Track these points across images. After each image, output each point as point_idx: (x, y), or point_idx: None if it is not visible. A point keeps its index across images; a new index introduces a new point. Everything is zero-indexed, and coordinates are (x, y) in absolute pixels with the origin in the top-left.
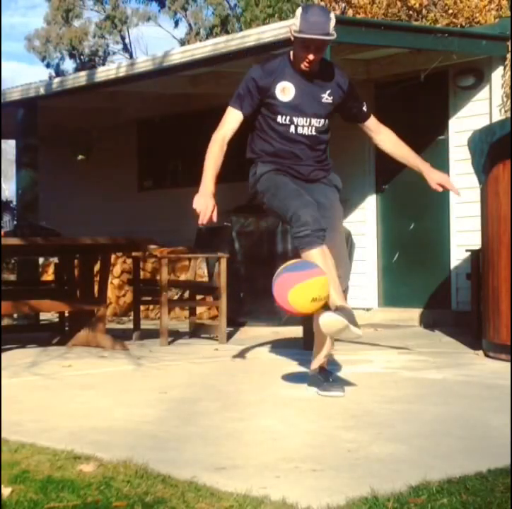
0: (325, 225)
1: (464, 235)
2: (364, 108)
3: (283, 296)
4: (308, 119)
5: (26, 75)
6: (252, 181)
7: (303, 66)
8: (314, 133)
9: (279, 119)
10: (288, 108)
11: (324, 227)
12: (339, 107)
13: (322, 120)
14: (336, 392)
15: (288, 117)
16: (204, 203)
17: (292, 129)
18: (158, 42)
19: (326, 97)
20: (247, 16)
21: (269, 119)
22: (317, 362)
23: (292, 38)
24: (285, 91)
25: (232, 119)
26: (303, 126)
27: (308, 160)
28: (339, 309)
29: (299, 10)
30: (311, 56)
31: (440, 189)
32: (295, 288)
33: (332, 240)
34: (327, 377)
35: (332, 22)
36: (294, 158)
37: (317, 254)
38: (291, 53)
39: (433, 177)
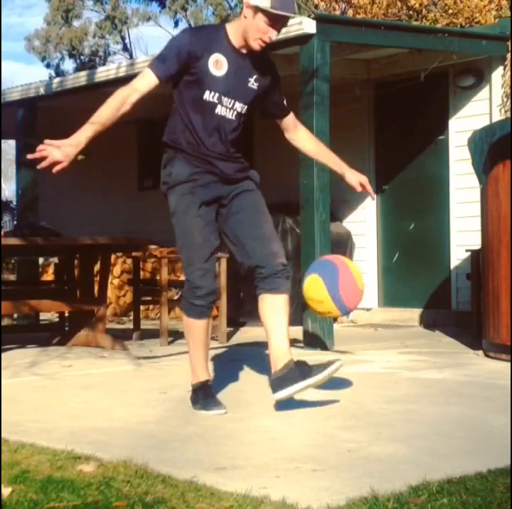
0: (254, 231)
1: (464, 235)
2: (285, 103)
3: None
4: (233, 101)
5: (22, 75)
6: (165, 181)
7: (257, 43)
8: (234, 118)
9: (207, 95)
10: (218, 84)
11: (215, 298)
12: (262, 97)
13: (245, 106)
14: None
15: (216, 94)
16: (50, 150)
17: (218, 109)
18: (158, 42)
19: (252, 83)
20: None
21: (194, 94)
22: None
23: (252, 12)
24: (218, 64)
25: (144, 81)
26: (226, 107)
27: (229, 153)
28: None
29: None
30: (273, 35)
31: (360, 189)
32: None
33: (260, 229)
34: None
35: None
36: (216, 149)
37: (202, 327)
38: (228, 26)
39: (353, 177)
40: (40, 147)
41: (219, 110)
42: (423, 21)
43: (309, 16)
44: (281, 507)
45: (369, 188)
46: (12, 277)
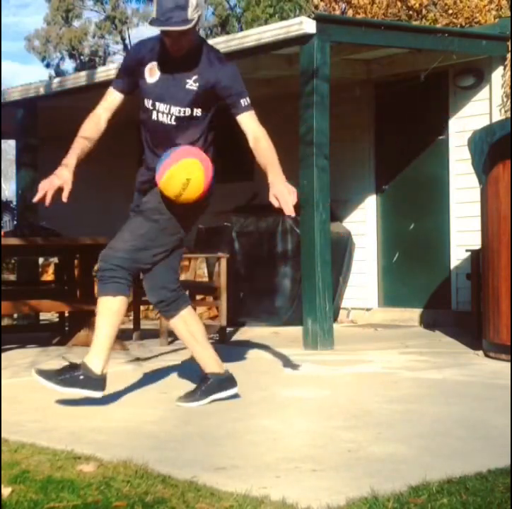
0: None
1: (464, 235)
2: (242, 102)
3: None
4: (168, 106)
5: (22, 75)
6: None
7: (171, 49)
8: (173, 122)
9: (146, 102)
10: (152, 91)
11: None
12: (212, 96)
13: (184, 109)
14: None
15: (151, 101)
16: (48, 181)
17: (154, 115)
18: None
19: (191, 83)
20: (249, 16)
21: (141, 102)
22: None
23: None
24: (151, 72)
25: (110, 98)
26: (162, 113)
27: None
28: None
29: None
30: (170, 46)
31: (276, 204)
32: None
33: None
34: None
35: (191, 5)
36: (151, 160)
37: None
38: None
39: (273, 189)
40: (40, 186)
41: (155, 116)
42: (423, 21)
43: (309, 16)
44: (281, 507)
45: (284, 202)
46: (12, 277)
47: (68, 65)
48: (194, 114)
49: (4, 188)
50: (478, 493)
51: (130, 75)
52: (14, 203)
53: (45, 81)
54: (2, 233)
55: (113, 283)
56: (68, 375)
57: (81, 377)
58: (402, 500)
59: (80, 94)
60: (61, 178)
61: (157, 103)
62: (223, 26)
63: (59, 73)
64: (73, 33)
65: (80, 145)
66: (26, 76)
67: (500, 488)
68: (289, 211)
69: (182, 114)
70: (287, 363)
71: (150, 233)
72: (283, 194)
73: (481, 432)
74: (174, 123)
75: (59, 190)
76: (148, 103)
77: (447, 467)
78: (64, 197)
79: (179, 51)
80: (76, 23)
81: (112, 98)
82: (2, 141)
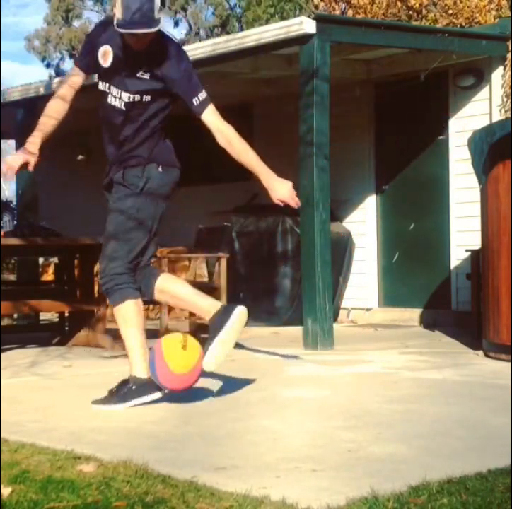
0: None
1: (464, 235)
2: (194, 101)
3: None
4: (120, 92)
5: (22, 75)
6: None
7: (134, 46)
8: (124, 107)
9: (100, 85)
10: (105, 75)
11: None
12: (163, 90)
13: (133, 95)
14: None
15: (107, 84)
16: (12, 157)
17: (109, 98)
18: None
19: (141, 73)
20: (249, 16)
21: (98, 85)
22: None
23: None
24: (105, 56)
25: (74, 78)
26: (115, 97)
27: (114, 149)
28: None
29: None
30: (134, 44)
31: (282, 204)
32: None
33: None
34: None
35: (156, 5)
36: (108, 150)
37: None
38: None
39: (275, 193)
40: (6, 161)
41: (110, 100)
42: (423, 21)
43: (309, 16)
44: (281, 507)
45: (290, 199)
46: (12, 277)
47: (68, 65)
48: (144, 100)
49: (4, 188)
50: (478, 493)
51: (87, 56)
52: (14, 203)
53: (45, 81)
54: (2, 233)
55: (117, 291)
56: (122, 391)
57: (134, 387)
58: (402, 500)
59: (80, 94)
60: (26, 153)
61: (112, 87)
62: (224, 26)
63: (59, 73)
64: (73, 33)
65: (44, 126)
66: (26, 76)
67: (500, 488)
68: (296, 204)
69: (129, 100)
70: (289, 360)
71: (126, 229)
72: (285, 198)
73: (481, 432)
74: (123, 108)
75: (25, 165)
76: (103, 86)
77: (447, 467)
78: (31, 167)
79: (141, 47)
80: (76, 23)
81: (76, 79)
82: (2, 141)
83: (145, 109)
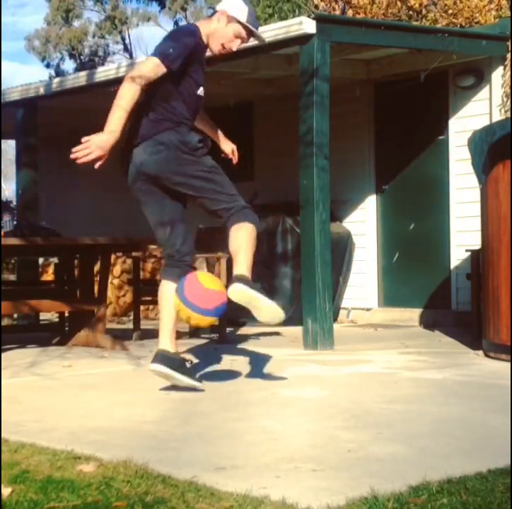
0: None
1: (464, 235)
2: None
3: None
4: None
5: (22, 75)
6: None
7: (217, 49)
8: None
9: (199, 89)
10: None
11: None
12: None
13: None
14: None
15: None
16: (98, 140)
17: (200, 90)
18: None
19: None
20: None
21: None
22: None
23: (226, 20)
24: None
25: (152, 70)
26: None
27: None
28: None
29: None
30: (235, 45)
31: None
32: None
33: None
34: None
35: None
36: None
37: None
38: (200, 26)
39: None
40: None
41: (200, 92)
42: (423, 21)
43: (309, 16)
44: (281, 507)
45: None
46: (12, 277)
47: (68, 65)
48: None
49: (4, 188)
50: (478, 493)
51: (183, 61)
52: (14, 203)
53: (45, 81)
54: (2, 233)
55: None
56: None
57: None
58: (402, 500)
59: (80, 94)
60: (104, 149)
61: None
62: None
63: (59, 73)
64: (73, 33)
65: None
66: (26, 76)
67: (500, 488)
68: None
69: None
70: (289, 361)
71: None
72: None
73: (481, 432)
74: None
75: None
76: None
77: (447, 467)
78: (96, 165)
79: (222, 50)
80: (76, 23)
81: (157, 70)
82: (2, 141)
83: None
